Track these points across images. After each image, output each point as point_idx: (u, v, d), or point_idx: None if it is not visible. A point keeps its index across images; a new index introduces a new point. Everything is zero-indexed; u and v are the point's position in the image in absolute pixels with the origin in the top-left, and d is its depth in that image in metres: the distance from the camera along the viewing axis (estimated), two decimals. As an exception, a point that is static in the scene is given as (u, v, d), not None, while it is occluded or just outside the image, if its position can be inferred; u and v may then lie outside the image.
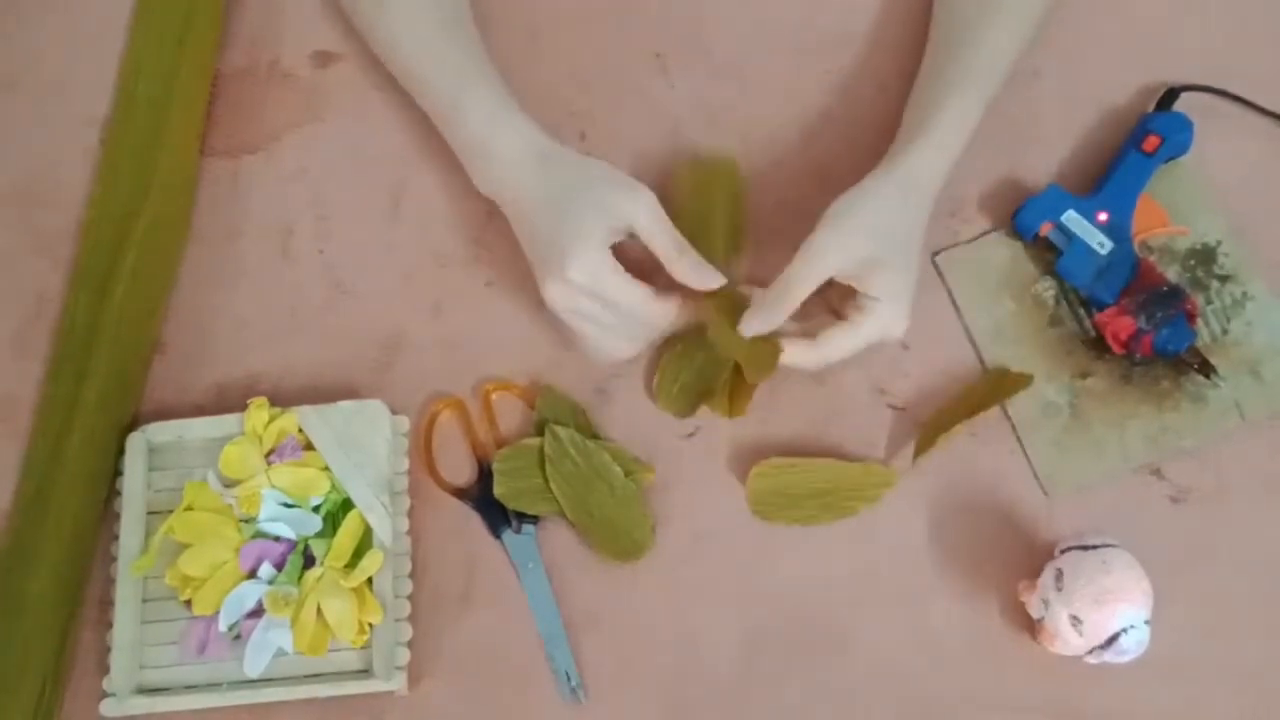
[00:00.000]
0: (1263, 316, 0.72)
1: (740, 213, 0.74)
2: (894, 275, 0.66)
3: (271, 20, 0.83)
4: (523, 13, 0.82)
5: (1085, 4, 0.79)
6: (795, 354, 0.67)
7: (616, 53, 0.81)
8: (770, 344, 0.67)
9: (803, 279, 0.65)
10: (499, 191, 0.71)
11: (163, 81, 0.78)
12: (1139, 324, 0.69)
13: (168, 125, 0.77)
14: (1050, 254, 0.73)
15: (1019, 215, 0.72)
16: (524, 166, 0.69)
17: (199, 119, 0.79)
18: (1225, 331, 0.72)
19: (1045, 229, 0.72)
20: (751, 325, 0.67)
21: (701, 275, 0.67)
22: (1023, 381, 0.71)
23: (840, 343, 0.66)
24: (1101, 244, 0.71)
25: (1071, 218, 0.72)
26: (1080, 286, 0.71)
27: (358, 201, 0.78)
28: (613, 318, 0.67)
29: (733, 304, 0.68)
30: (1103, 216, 0.72)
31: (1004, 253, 0.75)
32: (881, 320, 0.66)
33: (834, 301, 0.69)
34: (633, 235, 0.67)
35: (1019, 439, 0.71)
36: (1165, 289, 0.70)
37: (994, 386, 0.72)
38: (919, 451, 0.70)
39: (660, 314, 0.67)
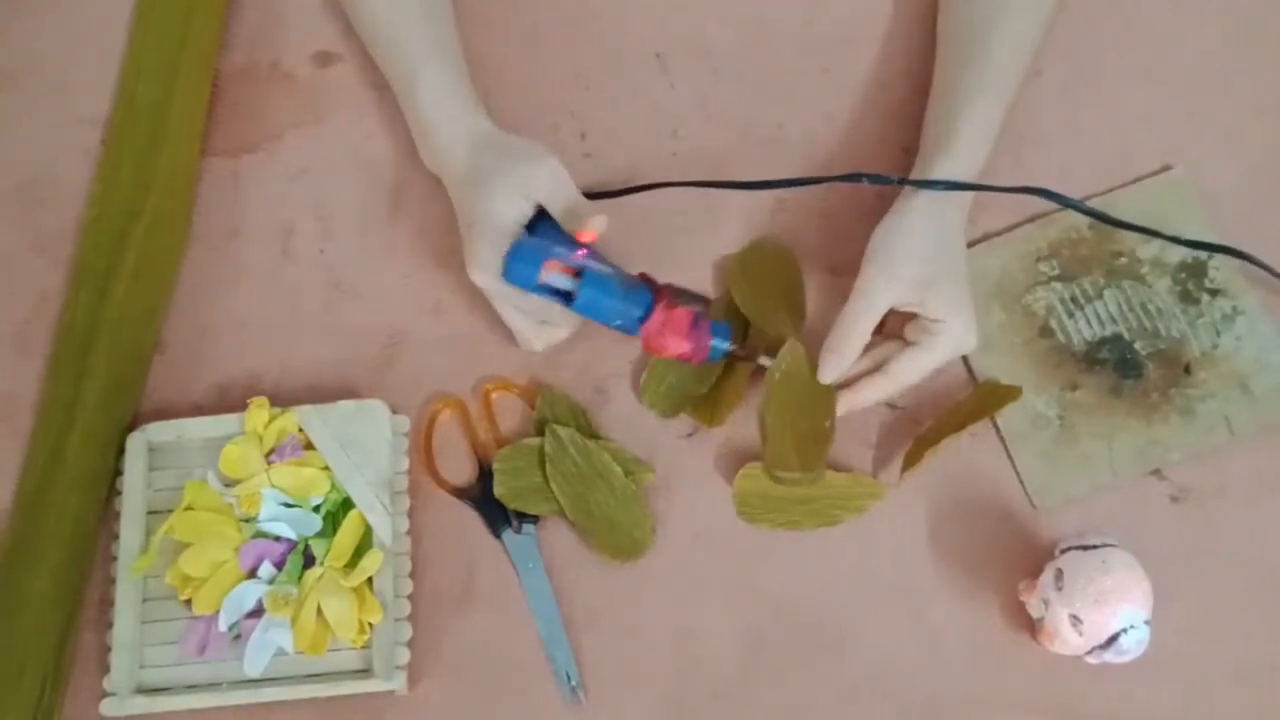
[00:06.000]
0: (1253, 331, 0.72)
1: (798, 285, 0.74)
2: (950, 289, 0.66)
3: (271, 20, 0.83)
4: (523, 13, 0.82)
5: (1086, 4, 0.79)
6: (870, 392, 0.67)
7: (616, 53, 0.81)
8: (822, 437, 0.68)
9: (860, 319, 0.65)
10: (439, 169, 0.73)
11: (163, 81, 0.78)
12: (695, 309, 0.66)
13: (168, 125, 0.78)
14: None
15: (510, 268, 0.65)
16: (459, 149, 0.71)
17: (199, 119, 0.79)
18: (1215, 345, 0.72)
19: (550, 269, 0.64)
20: (826, 375, 0.67)
21: (590, 224, 0.66)
22: (1012, 394, 0.70)
23: (913, 368, 0.66)
24: (602, 265, 0.66)
25: (561, 253, 0.65)
26: (612, 312, 0.65)
27: (358, 201, 0.78)
28: (530, 303, 0.68)
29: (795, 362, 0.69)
30: (581, 252, 0.66)
31: (994, 262, 0.74)
32: (953, 336, 0.66)
33: (896, 328, 0.69)
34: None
35: (1007, 451, 0.71)
36: (679, 288, 0.67)
37: (984, 400, 0.71)
38: (907, 466, 0.70)
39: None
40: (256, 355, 0.75)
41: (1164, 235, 0.72)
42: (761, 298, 0.73)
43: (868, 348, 0.67)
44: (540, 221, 0.69)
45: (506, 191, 0.68)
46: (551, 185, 0.68)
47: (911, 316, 0.67)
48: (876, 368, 0.67)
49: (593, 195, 0.74)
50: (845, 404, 0.67)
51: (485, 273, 0.68)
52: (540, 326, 0.71)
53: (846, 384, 0.68)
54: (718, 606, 0.69)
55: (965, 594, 0.69)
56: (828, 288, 0.74)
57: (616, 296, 0.65)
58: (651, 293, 0.67)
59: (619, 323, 0.66)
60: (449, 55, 0.75)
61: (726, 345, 0.67)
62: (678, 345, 0.66)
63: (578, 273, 0.65)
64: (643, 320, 0.66)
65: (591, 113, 0.80)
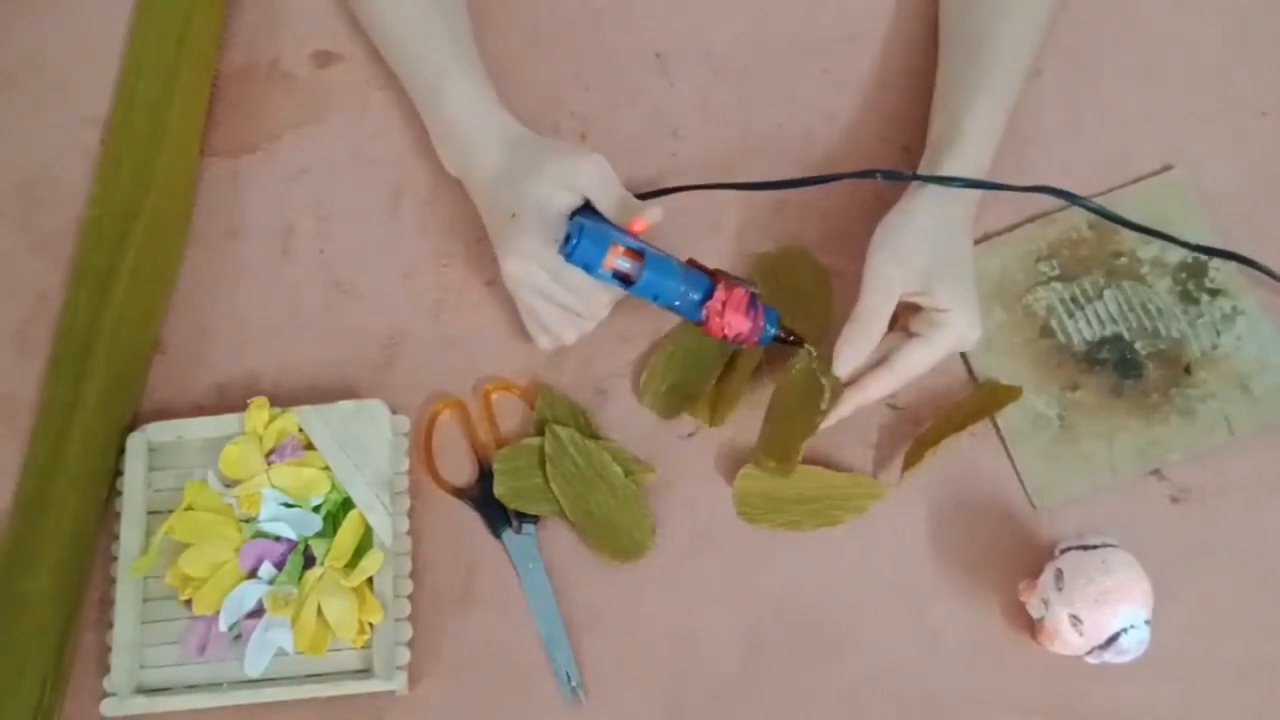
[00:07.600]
0: (1253, 331, 0.72)
1: (826, 289, 0.74)
2: (956, 283, 0.66)
3: (271, 20, 0.83)
4: (523, 13, 0.82)
5: (1086, 4, 0.79)
6: (875, 387, 0.66)
7: (616, 53, 0.81)
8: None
9: (876, 309, 0.65)
10: (467, 173, 0.73)
11: (163, 81, 0.78)
12: (750, 290, 0.66)
13: (168, 125, 0.77)
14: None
15: (578, 248, 0.64)
16: (491, 149, 0.71)
17: (199, 119, 0.80)
18: (1215, 345, 0.72)
19: (613, 255, 0.64)
20: (843, 368, 0.66)
21: (645, 214, 0.67)
22: (1012, 394, 0.70)
23: (917, 359, 0.66)
24: (659, 250, 0.66)
25: (619, 236, 0.65)
26: (673, 293, 0.65)
27: (358, 201, 0.78)
28: (565, 294, 0.68)
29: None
30: (631, 237, 0.66)
31: (995, 262, 0.74)
32: (957, 329, 0.65)
33: (902, 321, 0.68)
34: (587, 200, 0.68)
35: (1007, 451, 0.71)
36: (730, 273, 0.67)
37: (984, 400, 0.71)
38: (907, 466, 0.70)
39: (610, 294, 0.68)
40: (256, 355, 0.75)
41: (1194, 246, 0.72)
42: (789, 293, 0.73)
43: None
44: (582, 215, 0.68)
45: (552, 182, 0.67)
46: (599, 179, 0.68)
47: (916, 310, 0.67)
48: (879, 362, 0.67)
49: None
50: (852, 402, 0.67)
51: (527, 261, 0.67)
52: (572, 318, 0.70)
53: (850, 383, 0.67)
54: (718, 606, 0.69)
55: (965, 594, 0.69)
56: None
57: (677, 278, 0.65)
58: (707, 276, 0.66)
59: (678, 303, 0.65)
60: (471, 58, 0.74)
61: (775, 329, 0.66)
62: (739, 324, 0.65)
63: (636, 256, 0.65)
64: (701, 303, 0.65)
65: (591, 113, 0.80)
